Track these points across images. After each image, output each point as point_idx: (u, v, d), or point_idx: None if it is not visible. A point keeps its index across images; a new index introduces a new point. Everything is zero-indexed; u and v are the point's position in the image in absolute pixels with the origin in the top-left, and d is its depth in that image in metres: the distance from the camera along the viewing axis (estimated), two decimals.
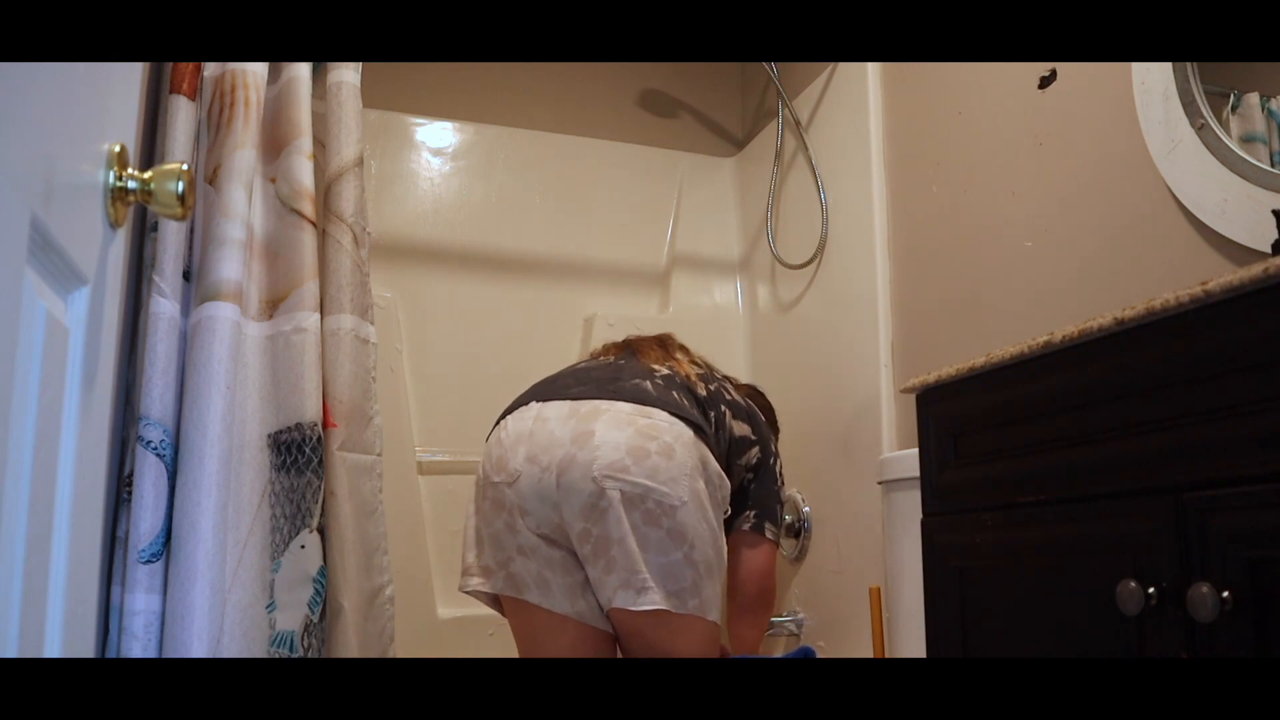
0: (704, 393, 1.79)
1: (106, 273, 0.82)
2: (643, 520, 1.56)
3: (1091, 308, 1.50)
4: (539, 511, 1.62)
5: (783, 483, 1.93)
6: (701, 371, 1.87)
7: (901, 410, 2.15)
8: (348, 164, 1.80)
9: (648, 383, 1.72)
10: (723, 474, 1.71)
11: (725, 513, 1.73)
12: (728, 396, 1.85)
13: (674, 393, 1.72)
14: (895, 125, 2.26)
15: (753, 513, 1.85)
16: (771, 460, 1.89)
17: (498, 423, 1.77)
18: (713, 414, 1.78)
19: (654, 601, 1.56)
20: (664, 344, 1.93)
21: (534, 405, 1.71)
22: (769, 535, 1.86)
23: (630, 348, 1.91)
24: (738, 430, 1.82)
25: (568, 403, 1.68)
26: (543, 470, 1.61)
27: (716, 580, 1.66)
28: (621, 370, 1.77)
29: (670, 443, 1.61)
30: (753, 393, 2.12)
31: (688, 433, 1.65)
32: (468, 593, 1.75)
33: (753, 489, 1.87)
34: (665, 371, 1.79)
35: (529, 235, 2.72)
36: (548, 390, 1.75)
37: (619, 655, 1.72)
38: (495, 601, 1.75)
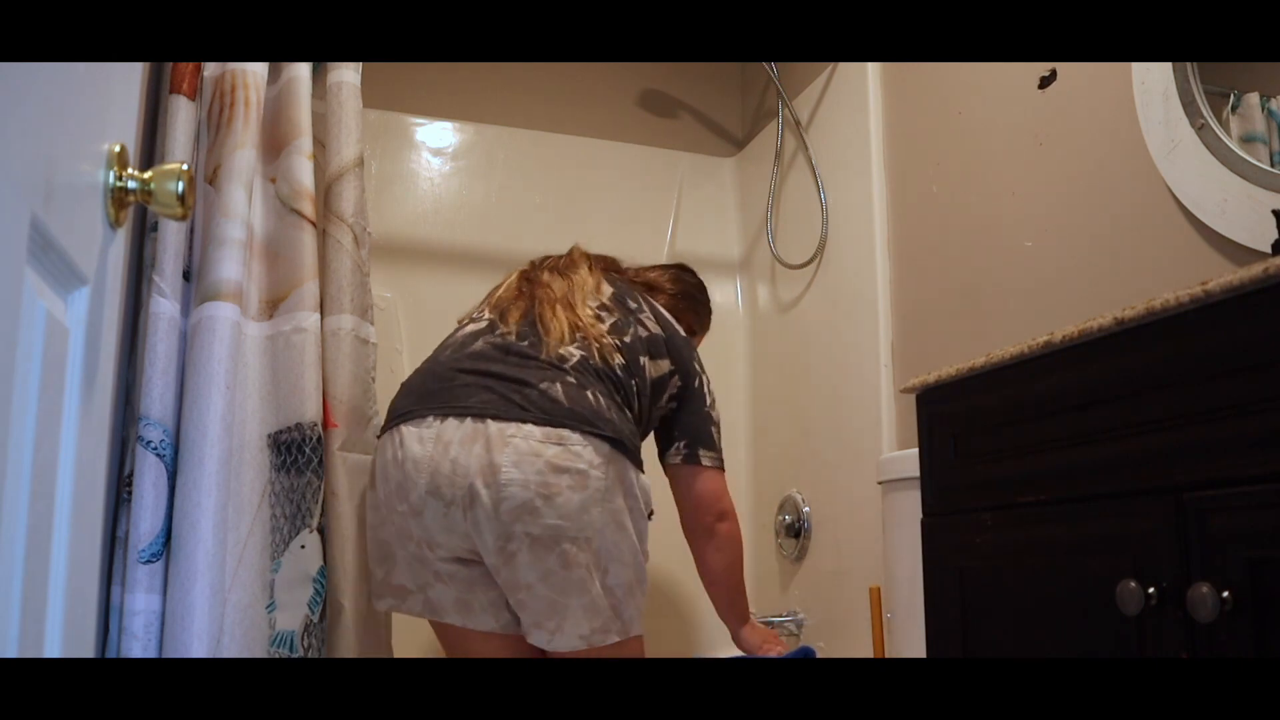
0: (621, 360, 1.63)
1: (106, 273, 0.82)
2: (558, 563, 1.47)
3: (1091, 308, 1.49)
4: (449, 542, 1.52)
5: (713, 401, 1.78)
6: (615, 319, 1.68)
7: (901, 410, 2.15)
8: (348, 164, 1.80)
9: (558, 385, 1.54)
10: (644, 484, 1.59)
11: (649, 514, 1.63)
12: (644, 333, 1.69)
13: (589, 393, 1.55)
14: (895, 125, 2.26)
15: (682, 444, 1.74)
16: (695, 383, 1.74)
17: (391, 425, 1.59)
18: (634, 382, 1.64)
19: (572, 645, 1.51)
20: (569, 298, 1.70)
21: (433, 423, 1.53)
22: (706, 462, 1.74)
23: (534, 310, 1.69)
24: (655, 371, 1.69)
25: (469, 421, 1.51)
26: (447, 505, 1.49)
27: (639, 593, 1.57)
28: (527, 366, 1.57)
29: (584, 469, 1.49)
30: (676, 277, 1.97)
31: (604, 448, 1.52)
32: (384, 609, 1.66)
33: (678, 417, 1.74)
34: (577, 357, 1.59)
35: (529, 235, 2.72)
36: (446, 397, 1.56)
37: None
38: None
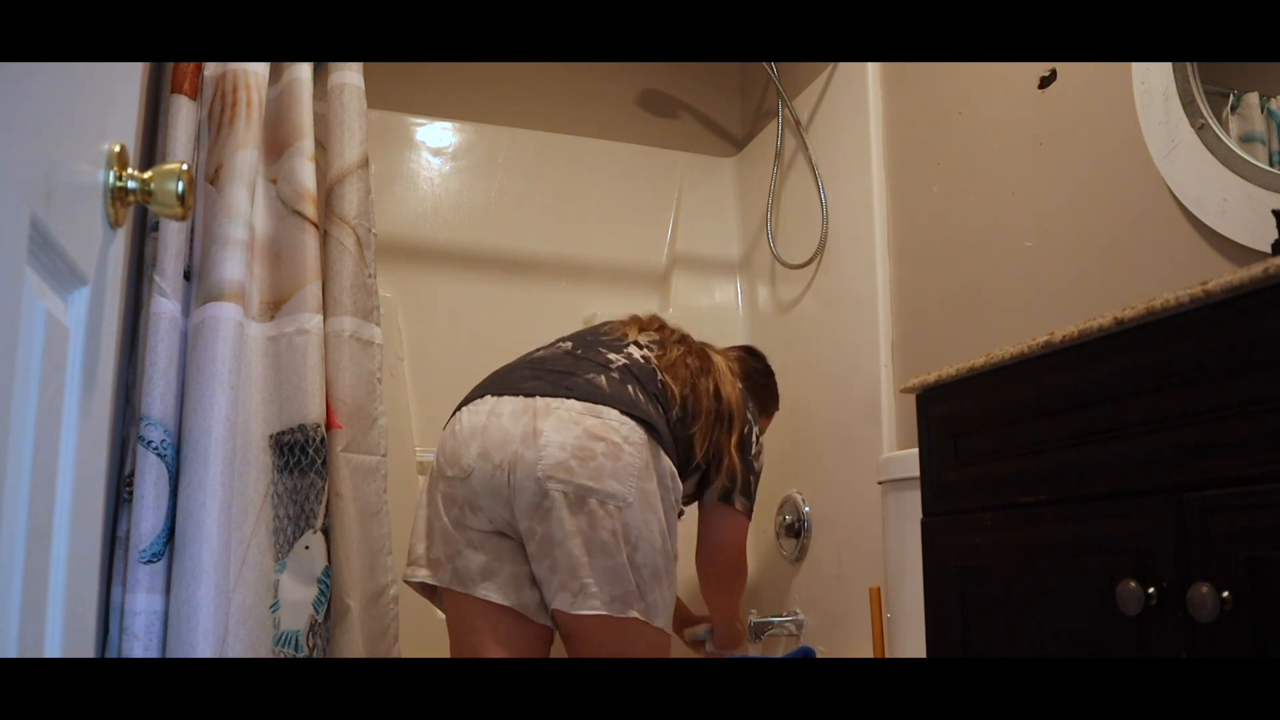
0: (664, 379, 1.74)
1: (106, 273, 0.82)
2: (587, 523, 1.54)
3: (1091, 308, 1.49)
4: (491, 508, 1.60)
5: (758, 451, 1.86)
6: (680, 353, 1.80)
7: (901, 410, 2.15)
8: (352, 166, 1.80)
9: (601, 377, 1.68)
10: (676, 474, 1.67)
11: (680, 513, 1.70)
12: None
13: (628, 387, 1.67)
14: (895, 125, 2.26)
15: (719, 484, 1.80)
16: (746, 430, 1.82)
17: (455, 413, 1.73)
18: (670, 399, 1.72)
19: (593, 606, 1.54)
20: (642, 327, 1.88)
21: (489, 399, 1.68)
22: (738, 507, 1.82)
23: (601, 328, 1.87)
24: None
25: (521, 398, 1.65)
26: (495, 467, 1.59)
27: (665, 585, 1.63)
28: (578, 364, 1.72)
29: (618, 442, 1.58)
30: (743, 357, 2.06)
31: (638, 432, 1.61)
32: (411, 584, 1.71)
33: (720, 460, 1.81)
34: (623, 362, 1.73)
35: (529, 235, 2.72)
36: (502, 383, 1.71)
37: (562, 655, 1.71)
38: (434, 594, 1.72)
